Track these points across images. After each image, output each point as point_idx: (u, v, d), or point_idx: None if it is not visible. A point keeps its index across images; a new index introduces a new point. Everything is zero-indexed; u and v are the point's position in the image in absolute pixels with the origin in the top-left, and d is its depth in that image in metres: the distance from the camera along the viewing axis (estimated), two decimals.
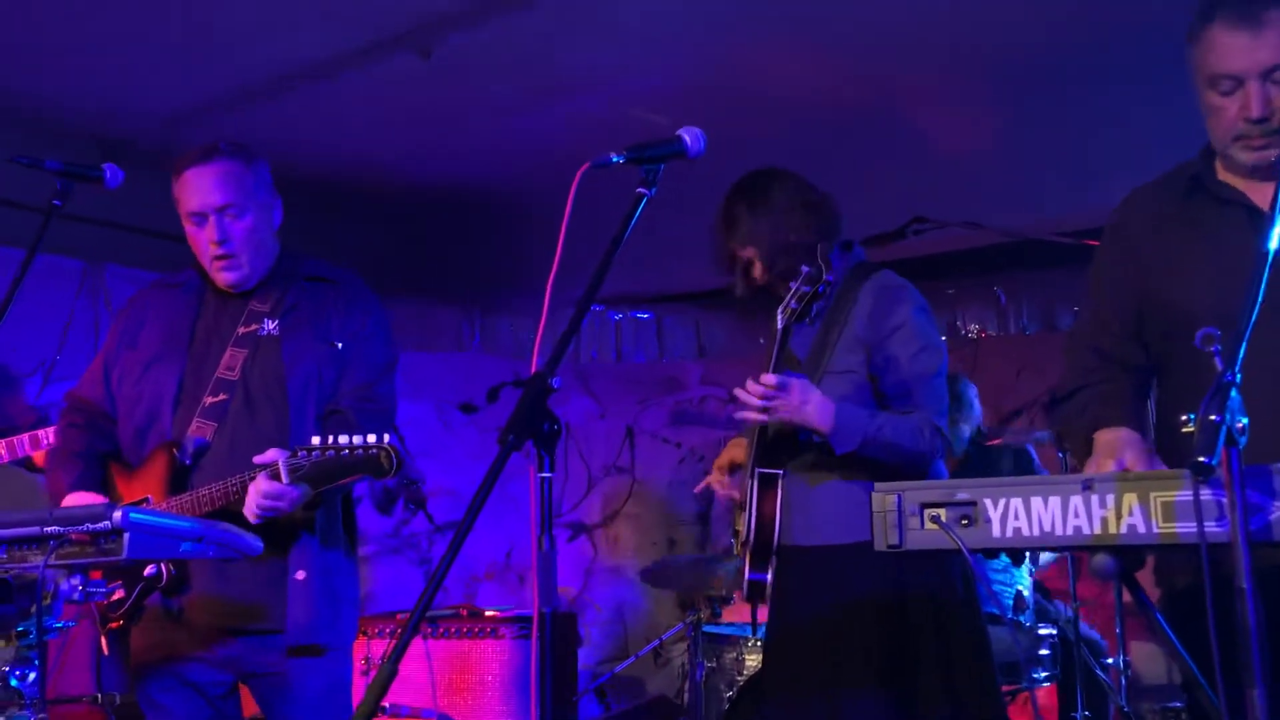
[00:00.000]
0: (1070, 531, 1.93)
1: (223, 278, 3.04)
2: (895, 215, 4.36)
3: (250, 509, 2.75)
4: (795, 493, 3.04)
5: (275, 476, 2.70)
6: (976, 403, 5.24)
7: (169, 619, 2.92)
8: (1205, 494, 1.81)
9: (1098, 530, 1.90)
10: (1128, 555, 1.95)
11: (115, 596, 2.90)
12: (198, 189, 2.97)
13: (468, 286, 6.89)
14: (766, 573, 3.02)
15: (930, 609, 2.96)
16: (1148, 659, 5.66)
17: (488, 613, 5.16)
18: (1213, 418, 1.66)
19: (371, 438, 2.64)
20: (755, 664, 4.54)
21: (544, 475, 2.03)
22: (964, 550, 1.97)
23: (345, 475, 2.69)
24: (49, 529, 2.36)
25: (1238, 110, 2.30)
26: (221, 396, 2.97)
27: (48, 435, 4.03)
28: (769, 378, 2.87)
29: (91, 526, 2.33)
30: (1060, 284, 6.37)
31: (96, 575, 2.86)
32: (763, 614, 3.15)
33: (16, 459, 4.11)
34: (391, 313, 3.22)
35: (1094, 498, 1.91)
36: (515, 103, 4.52)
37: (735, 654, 4.67)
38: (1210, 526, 1.79)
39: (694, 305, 7.46)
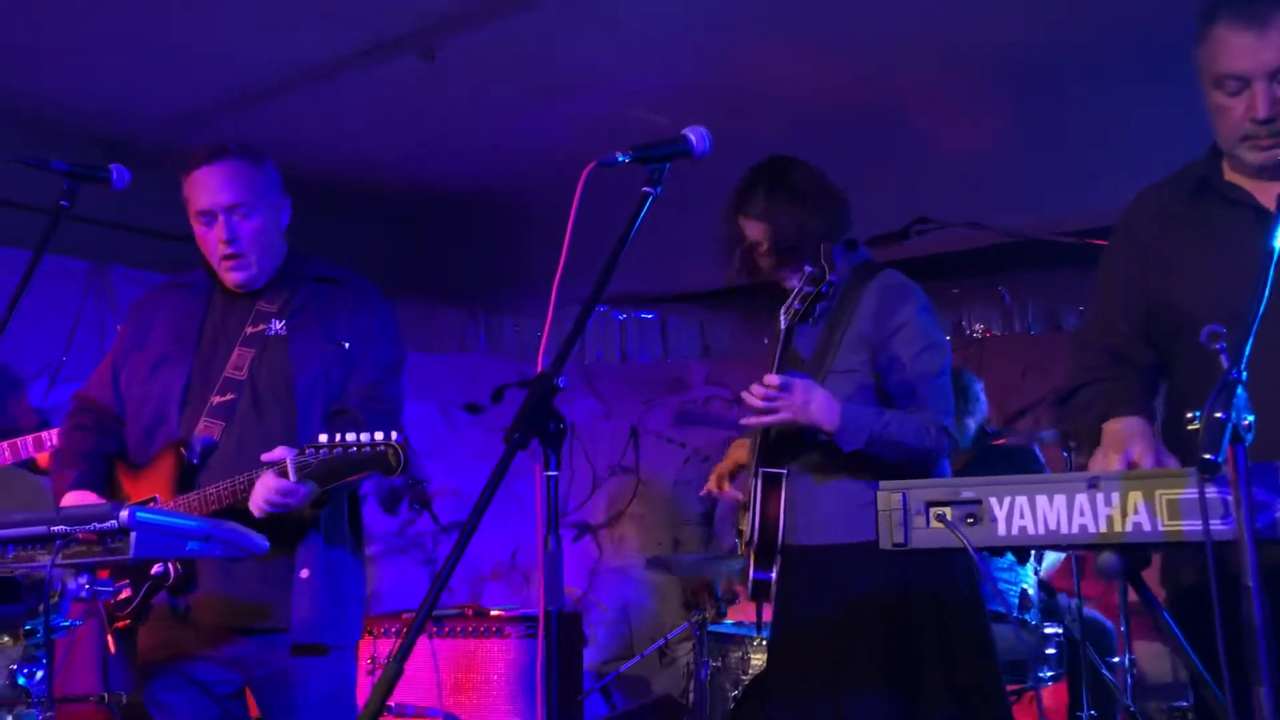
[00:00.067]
0: (1075, 530, 1.93)
1: (231, 277, 3.04)
2: (898, 216, 4.36)
3: (257, 504, 2.74)
4: (799, 492, 3.04)
5: (283, 474, 2.70)
6: (983, 396, 5.22)
7: (176, 618, 2.92)
8: (1211, 491, 1.81)
9: (1103, 528, 1.90)
10: (1133, 553, 1.95)
11: (122, 595, 2.90)
12: (207, 188, 2.98)
13: (470, 287, 6.89)
14: (771, 571, 3.02)
15: (934, 608, 2.96)
16: (1153, 658, 5.65)
17: (493, 612, 5.16)
18: (1218, 415, 1.66)
19: (379, 434, 2.64)
20: (760, 663, 4.54)
21: (550, 474, 2.03)
22: (969, 549, 1.98)
23: (353, 472, 2.68)
24: (56, 528, 2.36)
25: (1244, 111, 2.31)
26: (229, 396, 2.97)
27: (51, 437, 4.04)
28: (772, 378, 2.87)
29: (99, 526, 2.33)
30: (1064, 284, 6.37)
31: (104, 574, 2.86)
32: (768, 613, 3.15)
33: (20, 460, 4.12)
34: (395, 314, 3.23)
35: (1099, 496, 1.91)
36: (516, 103, 4.52)
37: (740, 653, 4.66)
38: (1216, 524, 1.79)
39: (698, 305, 7.46)
